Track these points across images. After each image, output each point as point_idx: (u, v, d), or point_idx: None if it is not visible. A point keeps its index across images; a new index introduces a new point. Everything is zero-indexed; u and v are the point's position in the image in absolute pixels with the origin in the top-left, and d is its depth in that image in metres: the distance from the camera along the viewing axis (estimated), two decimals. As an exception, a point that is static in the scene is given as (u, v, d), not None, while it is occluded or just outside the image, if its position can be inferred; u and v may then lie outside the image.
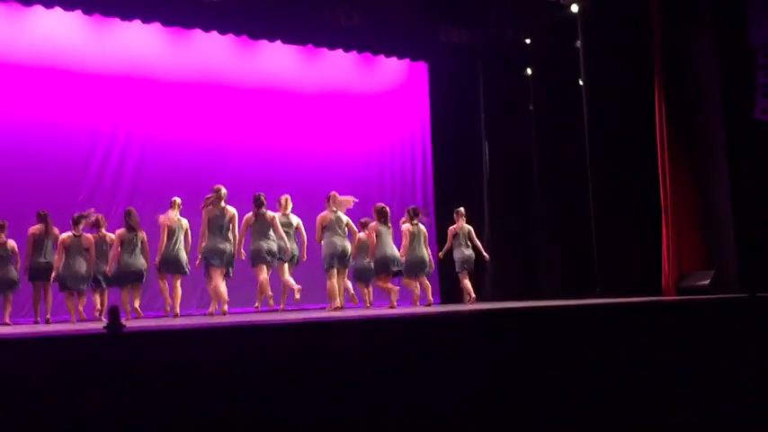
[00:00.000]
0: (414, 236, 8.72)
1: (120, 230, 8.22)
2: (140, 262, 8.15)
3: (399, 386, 3.79)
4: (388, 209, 8.77)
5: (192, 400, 3.50)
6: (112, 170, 10.18)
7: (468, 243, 9.38)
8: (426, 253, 8.78)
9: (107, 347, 3.98)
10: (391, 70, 12.34)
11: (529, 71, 11.33)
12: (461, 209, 9.63)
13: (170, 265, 8.19)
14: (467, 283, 9.47)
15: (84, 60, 10.11)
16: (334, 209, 8.43)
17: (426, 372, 4.06)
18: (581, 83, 10.45)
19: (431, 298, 8.86)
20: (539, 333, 5.14)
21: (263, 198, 8.18)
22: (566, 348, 4.81)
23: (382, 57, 12.11)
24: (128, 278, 8.24)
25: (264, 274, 8.07)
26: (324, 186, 11.45)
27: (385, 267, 8.52)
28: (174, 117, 10.65)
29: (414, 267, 8.71)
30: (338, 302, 8.19)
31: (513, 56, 11.43)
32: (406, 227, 8.78)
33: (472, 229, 9.59)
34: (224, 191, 7.95)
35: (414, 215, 8.84)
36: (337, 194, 8.58)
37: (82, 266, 8.06)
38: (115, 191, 10.15)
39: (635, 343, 5.14)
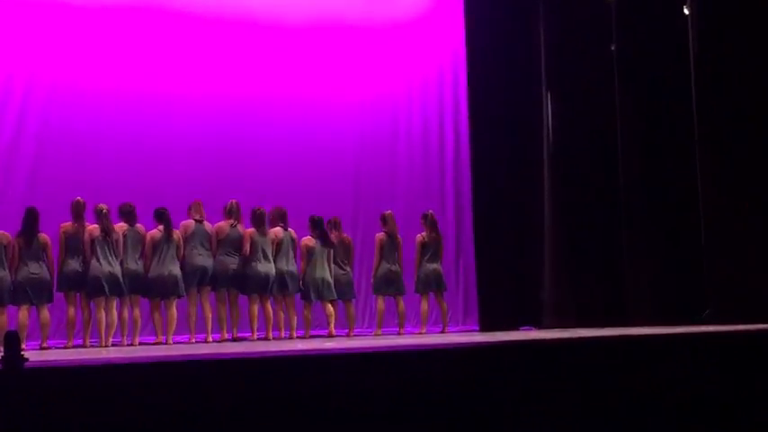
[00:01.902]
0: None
1: (17, 234, 9.16)
2: (44, 272, 9.09)
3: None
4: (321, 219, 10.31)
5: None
6: (7, 138, 10.28)
7: (396, 256, 10.61)
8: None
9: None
10: (411, -9, 12.44)
11: (611, -6, 11.40)
12: (390, 212, 10.70)
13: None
14: (381, 306, 10.62)
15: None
16: (231, 222, 9.82)
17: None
18: (686, 11, 10.44)
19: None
20: (622, 371, 5.18)
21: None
22: (660, 392, 4.85)
23: (398, -29, 12.25)
24: (28, 293, 8.99)
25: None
26: (316, 152, 11.55)
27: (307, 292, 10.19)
28: (103, 58, 10.75)
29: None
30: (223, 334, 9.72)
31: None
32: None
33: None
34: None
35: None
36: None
37: None
38: (10, 168, 10.27)
39: (762, 386, 5.17)
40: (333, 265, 10.29)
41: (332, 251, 10.27)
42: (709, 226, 10.18)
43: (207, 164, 10.98)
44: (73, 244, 9.15)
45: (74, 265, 9.11)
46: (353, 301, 10.62)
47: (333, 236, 10.35)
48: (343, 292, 10.37)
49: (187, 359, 5.88)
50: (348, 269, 10.43)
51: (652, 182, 10.91)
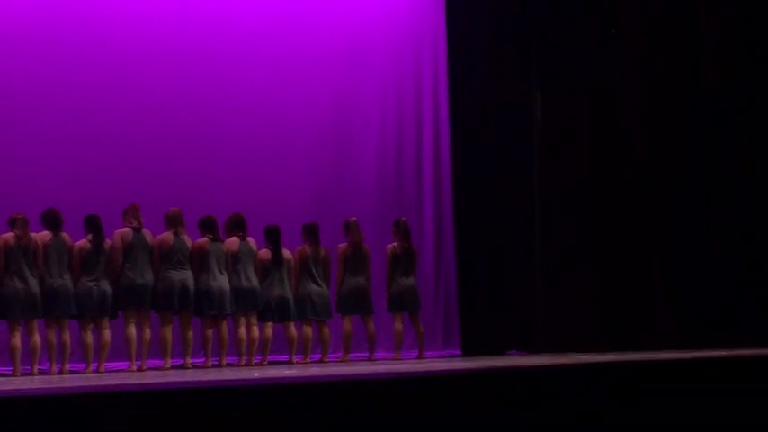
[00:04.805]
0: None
1: None
2: None
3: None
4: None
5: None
6: None
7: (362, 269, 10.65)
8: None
9: None
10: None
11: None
12: (354, 219, 10.75)
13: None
14: (347, 326, 10.54)
15: None
16: (175, 230, 9.70)
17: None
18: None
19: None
20: (624, 399, 5.18)
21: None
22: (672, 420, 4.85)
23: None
24: None
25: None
26: (270, 151, 11.44)
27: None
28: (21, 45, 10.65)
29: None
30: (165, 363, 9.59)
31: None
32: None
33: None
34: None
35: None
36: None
37: None
38: None
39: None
40: (309, 281, 10.27)
41: (288, 265, 10.22)
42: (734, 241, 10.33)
43: (145, 166, 10.79)
44: None
45: None
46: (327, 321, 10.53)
47: (307, 247, 10.31)
48: (319, 311, 10.30)
49: (125, 389, 5.82)
50: (324, 285, 10.38)
51: (665, 186, 11.02)
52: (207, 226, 9.85)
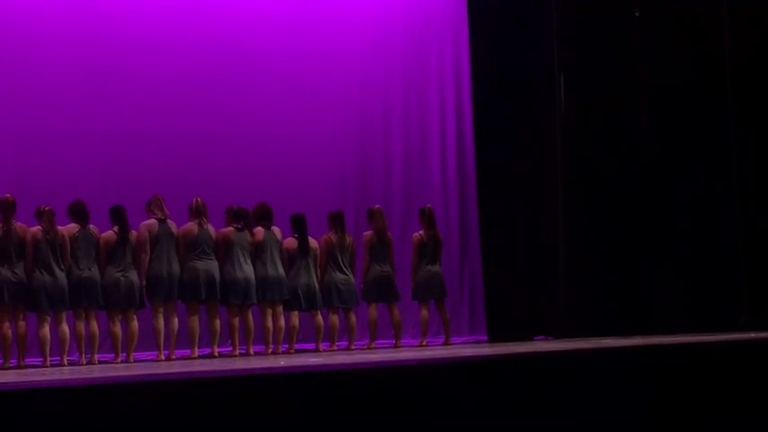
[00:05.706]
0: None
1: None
2: None
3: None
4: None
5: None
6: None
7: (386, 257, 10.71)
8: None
9: None
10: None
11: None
12: (378, 207, 10.78)
13: None
14: (374, 314, 10.60)
15: None
16: (199, 221, 9.76)
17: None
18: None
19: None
20: (652, 384, 5.18)
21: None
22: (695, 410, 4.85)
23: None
24: None
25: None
26: (295, 139, 11.48)
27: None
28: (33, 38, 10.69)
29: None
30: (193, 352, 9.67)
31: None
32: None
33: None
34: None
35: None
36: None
37: None
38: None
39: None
40: (335, 270, 10.29)
41: (314, 254, 10.24)
42: (745, 228, 10.27)
43: (169, 158, 10.85)
44: (0, 248, 9.05)
45: (4, 273, 9.01)
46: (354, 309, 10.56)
47: (333, 235, 10.32)
48: (345, 299, 10.34)
49: (153, 379, 5.85)
50: (350, 273, 10.41)
51: (679, 178, 10.98)
52: (238, 215, 9.88)
